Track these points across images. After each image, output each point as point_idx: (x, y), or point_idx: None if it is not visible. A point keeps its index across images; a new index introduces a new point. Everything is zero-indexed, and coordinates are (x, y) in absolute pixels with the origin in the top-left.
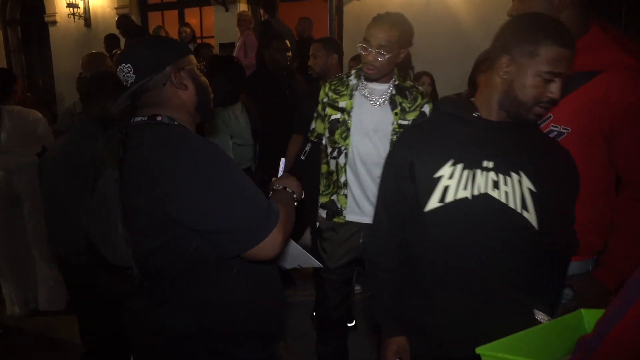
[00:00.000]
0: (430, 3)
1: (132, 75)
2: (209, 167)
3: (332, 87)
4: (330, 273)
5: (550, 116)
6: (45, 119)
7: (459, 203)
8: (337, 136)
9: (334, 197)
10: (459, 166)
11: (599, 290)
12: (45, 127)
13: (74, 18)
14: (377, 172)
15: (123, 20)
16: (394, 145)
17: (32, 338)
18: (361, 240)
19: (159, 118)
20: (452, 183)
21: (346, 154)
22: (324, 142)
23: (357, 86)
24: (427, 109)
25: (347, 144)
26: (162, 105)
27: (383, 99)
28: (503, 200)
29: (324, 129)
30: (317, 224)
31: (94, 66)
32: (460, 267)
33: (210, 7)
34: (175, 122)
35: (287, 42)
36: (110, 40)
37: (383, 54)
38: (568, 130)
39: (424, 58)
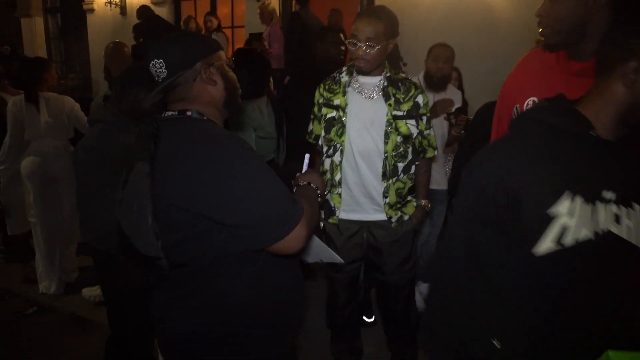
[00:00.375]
0: None
1: (164, 70)
2: (236, 162)
3: (327, 87)
4: (337, 271)
5: None
6: (78, 105)
7: (581, 246)
8: (332, 134)
9: (328, 196)
10: (578, 200)
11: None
12: (78, 112)
13: (110, 6)
14: (379, 165)
15: (143, 11)
16: (473, 163)
17: (64, 317)
18: (365, 236)
19: (188, 113)
20: (572, 222)
21: (342, 151)
22: (320, 142)
23: (350, 82)
24: (420, 99)
25: (343, 141)
26: (191, 100)
27: (376, 92)
28: (626, 237)
29: (321, 129)
30: (322, 224)
31: (114, 56)
32: (575, 319)
33: None
34: (204, 117)
35: (342, 35)
36: (140, 28)
37: (372, 46)
38: None
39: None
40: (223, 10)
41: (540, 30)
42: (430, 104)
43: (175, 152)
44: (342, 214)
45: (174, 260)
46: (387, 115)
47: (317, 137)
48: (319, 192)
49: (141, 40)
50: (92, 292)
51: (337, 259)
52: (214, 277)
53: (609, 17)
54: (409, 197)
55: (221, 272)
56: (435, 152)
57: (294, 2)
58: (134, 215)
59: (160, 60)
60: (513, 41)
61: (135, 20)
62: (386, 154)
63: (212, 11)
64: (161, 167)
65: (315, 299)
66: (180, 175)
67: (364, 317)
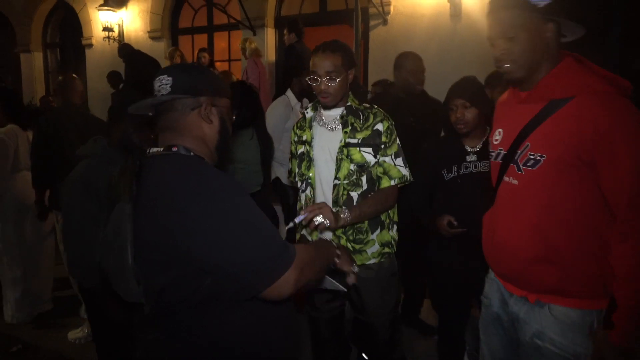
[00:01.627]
0: (456, 29)
1: (168, 88)
2: (222, 202)
3: (298, 125)
4: (318, 311)
5: (527, 145)
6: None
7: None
8: (303, 168)
9: (304, 231)
10: None
11: (617, 353)
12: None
13: (109, 41)
14: (329, 193)
15: (125, 48)
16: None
17: (51, 356)
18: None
19: (174, 149)
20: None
21: (312, 185)
22: (296, 179)
23: (315, 117)
24: (380, 126)
25: (311, 175)
26: (182, 131)
27: (337, 122)
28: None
29: (296, 166)
30: None
31: (64, 90)
32: None
33: (238, 31)
34: (191, 153)
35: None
36: (113, 76)
37: (333, 79)
38: (544, 157)
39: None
40: (220, 45)
41: (503, 67)
42: None
43: (158, 191)
44: None
45: (160, 303)
46: (340, 142)
47: (296, 174)
48: (338, 252)
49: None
50: (76, 334)
51: (340, 287)
52: (202, 321)
53: (555, 47)
54: (371, 237)
55: (209, 316)
56: (393, 182)
57: (287, 35)
58: (114, 257)
59: (170, 78)
60: None
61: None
62: (337, 182)
63: (209, 45)
64: (143, 207)
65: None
66: (163, 216)
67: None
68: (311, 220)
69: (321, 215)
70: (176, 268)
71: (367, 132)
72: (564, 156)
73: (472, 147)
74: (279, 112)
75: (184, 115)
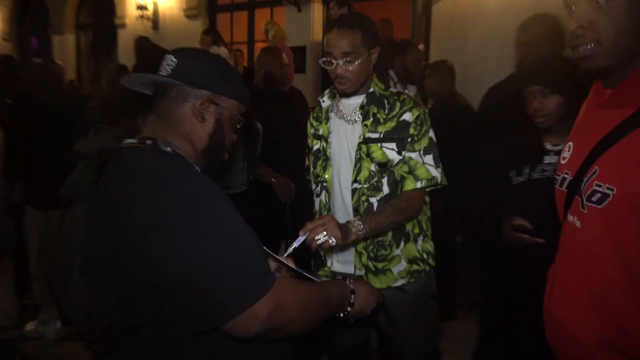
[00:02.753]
0: (539, 1)
1: (169, 70)
2: (190, 210)
3: (314, 115)
4: (340, 338)
5: (595, 170)
6: None
7: None
8: (318, 169)
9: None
10: None
11: None
12: None
13: (142, 21)
14: (349, 199)
15: (141, 42)
16: None
17: None
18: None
19: (148, 142)
20: None
21: (327, 190)
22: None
23: (332, 107)
24: (408, 116)
25: (327, 177)
26: (169, 122)
27: (357, 113)
28: None
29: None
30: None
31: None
32: None
33: (282, 7)
34: (169, 149)
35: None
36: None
37: (351, 61)
38: (613, 191)
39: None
40: (262, 24)
41: (579, 49)
42: None
43: (120, 192)
44: (336, 265)
45: (102, 333)
46: (359, 138)
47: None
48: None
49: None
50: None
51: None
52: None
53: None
54: (396, 252)
55: (163, 351)
56: (419, 184)
57: (336, 10)
58: (59, 267)
59: (175, 60)
60: None
61: (168, 34)
62: (356, 185)
63: (250, 24)
64: (100, 210)
65: None
66: (119, 222)
67: None
68: (313, 239)
69: (324, 232)
70: (126, 285)
71: (392, 124)
72: (637, 191)
73: (553, 145)
74: None
75: (176, 104)
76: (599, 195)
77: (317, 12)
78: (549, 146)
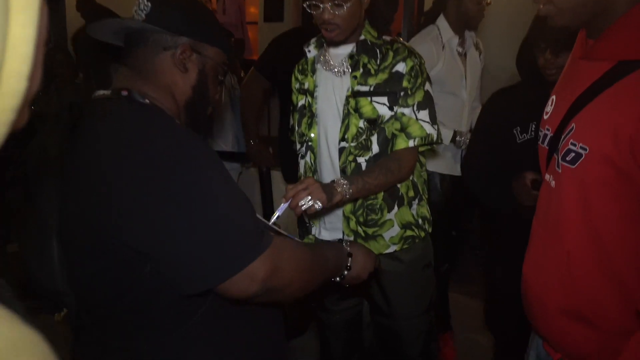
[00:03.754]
0: None
1: (142, 15)
2: (177, 171)
3: (299, 68)
4: (329, 312)
5: (572, 127)
6: None
7: None
8: (303, 127)
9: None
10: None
11: None
12: None
13: None
14: (337, 159)
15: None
16: None
17: None
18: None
19: (124, 93)
20: None
21: (312, 150)
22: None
23: (319, 58)
24: (402, 67)
25: (313, 136)
26: (146, 73)
27: (346, 64)
28: None
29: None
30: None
31: None
32: None
33: None
34: (146, 101)
35: None
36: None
37: (340, 5)
38: (586, 150)
39: None
40: None
41: (541, 7)
42: None
43: (97, 152)
44: (324, 233)
45: (86, 301)
46: (347, 91)
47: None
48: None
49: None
50: None
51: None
52: (141, 329)
53: None
54: (388, 216)
55: (149, 322)
56: (412, 143)
57: None
58: (34, 237)
59: (149, 4)
60: None
61: None
62: (343, 144)
63: None
64: (74, 173)
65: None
66: (98, 185)
67: None
68: (297, 205)
69: (308, 197)
70: (108, 253)
71: (383, 76)
72: (612, 155)
73: None
74: (422, 51)
75: (154, 54)
76: (572, 154)
77: None
78: None
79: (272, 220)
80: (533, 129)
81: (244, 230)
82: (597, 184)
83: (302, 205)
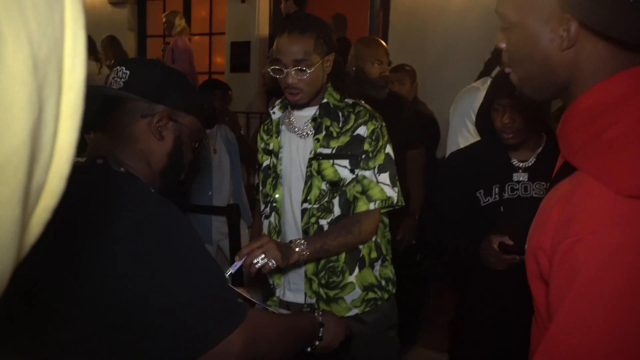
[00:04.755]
0: None
1: (121, 82)
2: (151, 241)
3: (265, 128)
4: None
5: None
6: None
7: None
8: (268, 187)
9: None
10: None
11: None
12: None
13: None
14: (299, 219)
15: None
16: None
17: None
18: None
19: (99, 161)
20: None
21: (277, 211)
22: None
23: (284, 120)
24: (363, 130)
25: (278, 197)
26: (123, 140)
27: (309, 126)
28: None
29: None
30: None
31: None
32: None
33: None
34: (122, 169)
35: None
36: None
37: (304, 70)
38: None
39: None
40: (200, 13)
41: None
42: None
43: (71, 220)
44: (288, 294)
45: None
46: (310, 153)
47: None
48: (320, 333)
49: None
50: None
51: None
52: None
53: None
54: (350, 279)
55: None
56: (372, 206)
57: (285, 4)
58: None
59: (127, 72)
60: None
61: (90, 26)
62: (306, 205)
63: (186, 14)
64: (49, 239)
65: None
66: (71, 255)
67: None
68: (251, 263)
69: (262, 255)
70: (80, 322)
71: (345, 139)
72: (532, 252)
73: (521, 162)
74: (469, 99)
75: (131, 121)
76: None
77: (263, 3)
78: (516, 162)
79: (228, 273)
80: (497, 192)
81: (221, 301)
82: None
83: (256, 263)
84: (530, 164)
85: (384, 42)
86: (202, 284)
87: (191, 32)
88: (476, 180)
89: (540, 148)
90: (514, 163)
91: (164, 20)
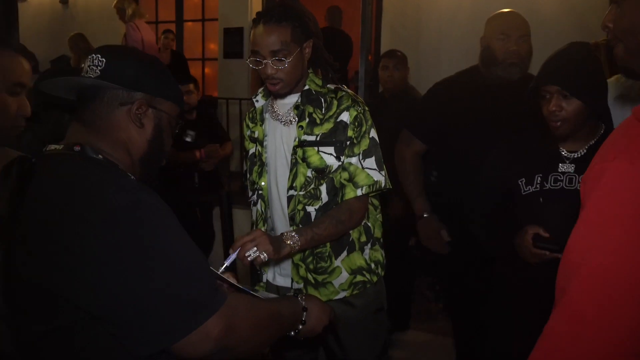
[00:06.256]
0: None
1: (97, 71)
2: (129, 228)
3: (250, 116)
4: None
5: None
6: None
7: None
8: (254, 175)
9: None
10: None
11: None
12: None
13: None
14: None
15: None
16: None
17: None
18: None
19: (77, 148)
20: None
21: (263, 198)
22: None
23: (267, 108)
24: (346, 117)
25: (263, 184)
26: (102, 129)
27: (292, 114)
28: None
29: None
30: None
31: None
32: None
33: None
34: (100, 156)
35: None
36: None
37: (282, 60)
38: None
39: None
40: (192, 0)
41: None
42: None
43: (47, 208)
44: (278, 279)
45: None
46: (294, 141)
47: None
48: (304, 318)
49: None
50: None
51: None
52: None
53: None
54: (336, 263)
55: None
56: (360, 192)
57: None
58: None
59: (103, 59)
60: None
61: (79, 12)
62: (292, 193)
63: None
64: (23, 231)
65: None
66: (48, 243)
67: None
68: (244, 256)
69: (254, 248)
70: (54, 313)
71: (329, 125)
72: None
73: (570, 152)
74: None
75: (108, 109)
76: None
77: None
78: (564, 153)
79: (221, 270)
80: (539, 182)
81: (198, 287)
82: None
83: (249, 256)
84: (579, 155)
85: (378, 29)
86: (177, 272)
87: (184, 19)
88: (521, 168)
89: (595, 139)
90: (562, 153)
91: (114, 7)
